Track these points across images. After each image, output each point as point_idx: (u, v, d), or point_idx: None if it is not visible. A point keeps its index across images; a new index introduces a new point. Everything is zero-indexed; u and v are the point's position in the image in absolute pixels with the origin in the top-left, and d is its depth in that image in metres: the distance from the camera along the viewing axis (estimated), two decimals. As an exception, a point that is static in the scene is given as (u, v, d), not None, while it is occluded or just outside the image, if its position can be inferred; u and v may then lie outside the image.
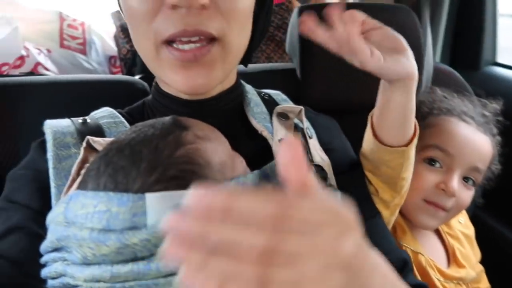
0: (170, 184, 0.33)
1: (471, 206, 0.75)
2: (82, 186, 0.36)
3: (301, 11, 0.84)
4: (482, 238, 0.80)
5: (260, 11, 0.50)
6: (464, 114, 0.71)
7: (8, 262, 0.41)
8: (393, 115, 0.55)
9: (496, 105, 0.75)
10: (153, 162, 0.34)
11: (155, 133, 0.37)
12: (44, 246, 0.36)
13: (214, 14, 0.42)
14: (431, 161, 0.68)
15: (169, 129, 0.37)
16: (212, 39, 0.43)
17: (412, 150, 0.57)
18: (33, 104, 0.72)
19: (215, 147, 0.38)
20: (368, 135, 0.59)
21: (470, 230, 0.78)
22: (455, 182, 0.66)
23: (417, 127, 0.58)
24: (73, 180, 0.41)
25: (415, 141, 0.57)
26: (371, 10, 0.88)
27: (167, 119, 0.39)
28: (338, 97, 0.86)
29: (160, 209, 0.32)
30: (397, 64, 0.50)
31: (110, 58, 1.30)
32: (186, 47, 0.42)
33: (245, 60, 0.54)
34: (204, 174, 0.35)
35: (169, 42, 0.42)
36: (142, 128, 0.38)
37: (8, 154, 0.70)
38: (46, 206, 0.45)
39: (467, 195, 0.69)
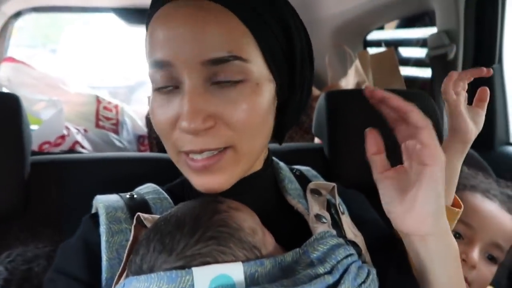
0: (209, 243, 0.39)
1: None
2: (134, 254, 0.41)
3: (328, 95, 0.91)
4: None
5: (291, 93, 0.52)
6: (488, 192, 0.76)
7: None
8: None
9: None
10: (194, 226, 0.40)
11: (196, 205, 0.43)
12: None
13: (222, 129, 0.44)
14: (454, 234, 0.71)
15: (207, 202, 0.44)
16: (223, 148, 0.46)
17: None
18: (78, 180, 0.76)
19: (245, 216, 0.43)
20: None
21: None
22: (476, 254, 0.69)
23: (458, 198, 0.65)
24: (125, 265, 0.44)
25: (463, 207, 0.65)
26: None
27: (206, 197, 0.46)
28: (365, 175, 0.89)
29: (206, 280, 0.36)
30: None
31: (139, 137, 1.38)
32: (199, 157, 0.45)
33: (279, 138, 0.57)
34: (237, 236, 0.40)
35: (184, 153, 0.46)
36: (184, 205, 0.45)
37: (50, 228, 0.73)
38: (94, 279, 0.47)
39: (488, 270, 0.70)
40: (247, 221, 0.43)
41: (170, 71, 0.44)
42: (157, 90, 0.46)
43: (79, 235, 0.52)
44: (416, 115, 0.45)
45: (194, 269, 0.36)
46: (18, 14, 1.67)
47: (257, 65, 0.46)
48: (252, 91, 0.45)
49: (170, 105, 0.45)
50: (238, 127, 0.45)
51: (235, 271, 0.37)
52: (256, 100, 0.46)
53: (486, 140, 1.19)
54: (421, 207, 0.44)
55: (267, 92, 0.48)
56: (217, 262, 0.38)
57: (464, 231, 0.72)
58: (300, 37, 0.51)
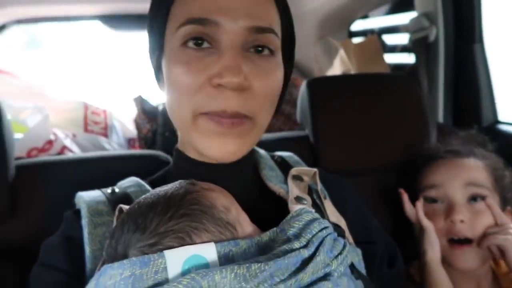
0: (181, 220, 0.39)
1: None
2: (110, 237, 0.42)
3: (309, 83, 0.91)
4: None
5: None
6: (447, 151, 0.80)
7: None
8: None
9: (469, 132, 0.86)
10: (167, 205, 0.40)
11: (169, 188, 0.44)
12: None
13: (251, 97, 0.47)
14: (432, 200, 0.76)
15: (180, 185, 0.44)
16: (245, 116, 0.48)
17: None
18: (64, 181, 0.76)
19: (218, 195, 0.44)
20: None
21: None
22: (457, 210, 0.71)
23: None
24: None
25: None
26: (375, 80, 0.97)
27: (179, 181, 0.46)
28: (350, 160, 0.90)
29: (178, 262, 0.36)
30: None
31: (129, 140, 1.38)
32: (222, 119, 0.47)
33: None
34: (210, 213, 0.41)
35: (209, 113, 0.47)
36: (158, 189, 0.45)
37: (40, 229, 0.73)
38: (79, 271, 0.47)
39: (482, 215, 0.71)
40: (220, 199, 0.43)
41: (212, 30, 0.46)
42: (186, 46, 0.47)
43: (60, 232, 0.52)
44: None
45: (166, 251, 0.37)
46: (2, 28, 1.68)
47: (280, 45, 0.51)
48: (277, 66, 0.50)
49: (202, 62, 0.46)
50: (261, 97, 0.48)
51: (208, 251, 0.37)
52: (279, 75, 0.50)
53: (473, 120, 1.20)
54: None
55: (282, 73, 0.52)
56: (190, 238, 0.38)
57: (437, 194, 0.75)
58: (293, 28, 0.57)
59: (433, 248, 0.68)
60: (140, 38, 1.84)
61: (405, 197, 0.77)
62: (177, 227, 0.39)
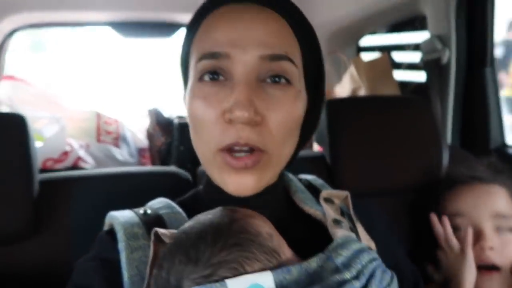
0: (233, 250, 0.39)
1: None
2: (158, 268, 0.42)
3: (328, 104, 0.92)
4: None
5: (308, 116, 0.54)
6: (471, 177, 0.80)
7: None
8: None
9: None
10: (216, 235, 0.41)
11: (213, 216, 0.44)
12: None
13: (264, 130, 0.46)
14: (455, 228, 0.76)
15: (223, 213, 0.44)
16: (261, 150, 0.47)
17: None
18: (87, 196, 0.76)
19: (261, 223, 0.44)
20: None
21: None
22: (487, 237, 0.72)
23: None
24: (149, 281, 0.44)
25: None
26: (393, 102, 0.99)
27: (219, 208, 0.46)
28: (367, 181, 0.91)
29: None
30: None
31: (140, 150, 1.39)
32: (238, 155, 0.46)
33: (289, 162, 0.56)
34: (257, 241, 0.41)
35: (224, 149, 0.47)
36: (201, 217, 0.45)
37: (64, 246, 0.73)
38: None
39: (511, 244, 0.72)
40: (264, 226, 0.43)
41: (224, 63, 0.46)
42: (202, 80, 0.48)
43: (96, 253, 0.51)
44: None
45: (227, 281, 0.37)
46: (13, 32, 1.68)
47: (300, 73, 0.50)
48: (295, 96, 0.49)
49: (217, 97, 0.46)
50: (275, 130, 0.47)
51: (266, 280, 0.38)
52: (297, 106, 0.49)
53: (481, 143, 1.22)
54: None
55: (303, 102, 0.51)
56: (242, 268, 0.39)
57: (462, 222, 0.75)
58: (322, 57, 0.56)
59: (472, 277, 0.69)
60: (150, 46, 1.84)
61: (446, 221, 0.75)
62: (229, 258, 0.39)
